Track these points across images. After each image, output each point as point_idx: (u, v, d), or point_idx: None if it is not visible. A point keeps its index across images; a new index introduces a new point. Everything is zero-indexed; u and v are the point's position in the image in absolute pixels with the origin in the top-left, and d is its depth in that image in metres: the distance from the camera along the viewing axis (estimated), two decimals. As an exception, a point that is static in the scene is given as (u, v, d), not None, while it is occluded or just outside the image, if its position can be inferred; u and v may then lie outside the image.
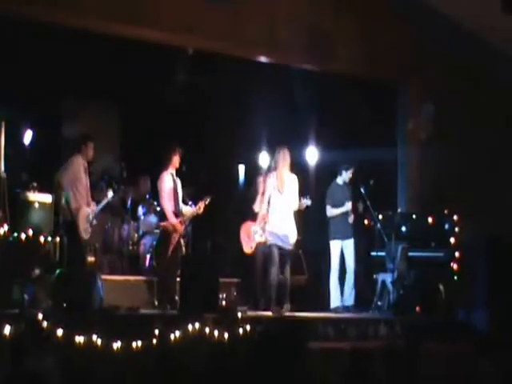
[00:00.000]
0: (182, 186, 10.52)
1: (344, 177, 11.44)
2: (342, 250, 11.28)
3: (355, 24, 12.13)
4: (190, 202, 10.80)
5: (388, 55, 12.32)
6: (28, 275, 9.35)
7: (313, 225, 11.49)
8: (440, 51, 12.57)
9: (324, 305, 11.37)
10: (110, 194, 9.95)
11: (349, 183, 11.49)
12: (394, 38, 12.33)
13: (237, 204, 11.45)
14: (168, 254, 10.19)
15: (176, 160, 10.37)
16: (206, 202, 10.38)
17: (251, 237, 10.96)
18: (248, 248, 10.98)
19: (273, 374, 6.23)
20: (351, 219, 11.29)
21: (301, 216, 10.68)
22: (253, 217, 11.04)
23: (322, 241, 11.51)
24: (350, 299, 11.27)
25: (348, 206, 11.23)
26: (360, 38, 12.13)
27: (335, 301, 11.23)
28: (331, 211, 11.27)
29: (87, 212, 9.52)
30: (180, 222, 10.29)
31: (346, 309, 11.15)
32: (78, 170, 9.64)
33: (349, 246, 11.31)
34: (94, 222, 9.73)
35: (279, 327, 6.52)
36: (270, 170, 10.69)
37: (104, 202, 9.93)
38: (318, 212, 11.35)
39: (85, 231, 9.52)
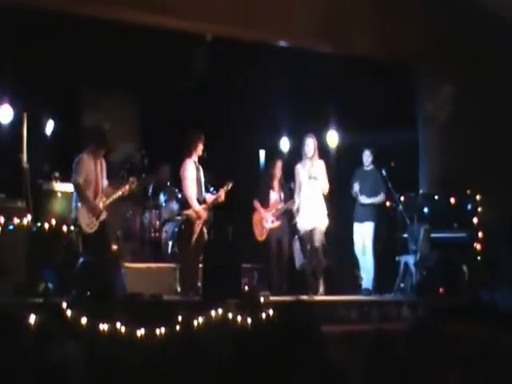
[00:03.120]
0: (204, 173, 10.56)
1: (364, 161, 11.57)
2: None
3: (373, 6, 12.06)
4: (211, 189, 10.84)
5: (407, 37, 12.25)
6: (52, 264, 9.45)
7: (336, 209, 11.50)
8: (460, 32, 12.48)
9: (348, 288, 11.40)
10: (128, 186, 9.93)
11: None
12: (412, 19, 12.27)
13: (257, 189, 11.46)
14: (192, 241, 10.19)
15: (200, 148, 10.34)
16: (228, 188, 10.41)
17: (263, 224, 11.06)
18: (260, 235, 11.08)
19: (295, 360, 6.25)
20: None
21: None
22: (265, 204, 11.14)
23: (344, 225, 11.53)
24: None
25: (355, 186, 11.38)
26: (378, 20, 12.07)
27: (366, 283, 11.38)
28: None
29: (93, 206, 9.58)
30: (204, 208, 10.32)
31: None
32: (87, 170, 9.65)
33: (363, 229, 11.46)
34: (104, 215, 9.72)
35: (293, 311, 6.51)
36: (300, 158, 10.84)
37: (118, 193, 9.92)
38: (340, 196, 11.39)
39: (88, 226, 9.54)
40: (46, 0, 10.15)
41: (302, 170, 10.80)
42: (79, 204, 9.51)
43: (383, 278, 11.45)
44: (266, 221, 11.08)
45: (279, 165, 11.32)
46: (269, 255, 11.01)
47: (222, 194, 10.37)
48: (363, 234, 11.42)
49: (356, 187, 11.36)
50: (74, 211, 9.61)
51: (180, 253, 10.62)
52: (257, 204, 11.24)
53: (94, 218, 9.53)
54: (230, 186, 10.38)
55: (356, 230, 11.50)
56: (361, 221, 11.45)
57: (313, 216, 10.65)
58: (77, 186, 9.56)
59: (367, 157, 11.59)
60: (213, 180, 10.97)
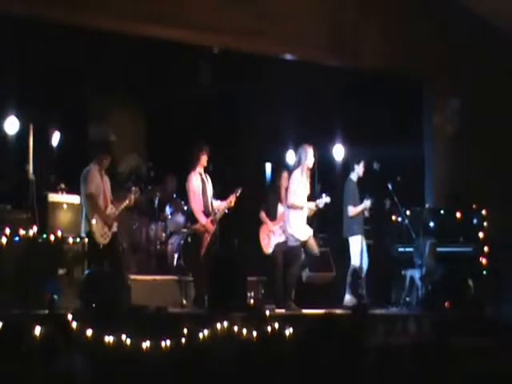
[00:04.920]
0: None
1: (357, 171, 11.45)
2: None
3: (380, 20, 12.10)
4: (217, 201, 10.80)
5: (414, 51, 12.29)
6: (57, 276, 9.44)
7: (337, 222, 11.48)
8: (466, 46, 12.50)
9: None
10: (133, 195, 10.00)
11: (363, 178, 11.52)
12: (419, 33, 12.30)
13: (265, 201, 11.44)
14: (200, 254, 10.21)
15: (204, 159, 10.36)
16: (237, 195, 10.41)
17: (271, 237, 11.00)
18: (267, 248, 11.01)
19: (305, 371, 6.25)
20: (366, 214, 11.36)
21: (324, 213, 10.80)
22: (271, 216, 11.10)
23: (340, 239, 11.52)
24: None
25: (367, 203, 11.23)
26: (385, 34, 12.10)
27: (352, 298, 11.24)
28: (353, 210, 11.27)
29: (106, 216, 9.63)
30: (211, 221, 10.30)
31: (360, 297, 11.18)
32: (97, 180, 9.70)
33: (363, 241, 11.37)
34: (115, 226, 9.78)
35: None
36: (296, 167, 10.73)
37: (125, 202, 9.98)
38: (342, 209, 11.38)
39: (102, 236, 9.60)
40: (53, 12, 10.14)
41: (301, 179, 10.61)
42: (93, 215, 9.54)
43: (389, 292, 11.42)
44: (274, 233, 11.01)
45: (285, 176, 11.27)
46: (275, 268, 10.94)
47: (232, 199, 10.39)
48: (363, 247, 11.35)
49: (367, 203, 11.26)
50: (85, 224, 9.62)
51: (188, 266, 10.61)
52: (264, 216, 11.17)
53: (107, 229, 9.59)
54: (239, 191, 10.40)
55: (359, 242, 11.30)
56: (363, 234, 11.37)
57: (307, 226, 10.62)
58: (89, 196, 9.60)
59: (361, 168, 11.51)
60: (219, 192, 10.95)
